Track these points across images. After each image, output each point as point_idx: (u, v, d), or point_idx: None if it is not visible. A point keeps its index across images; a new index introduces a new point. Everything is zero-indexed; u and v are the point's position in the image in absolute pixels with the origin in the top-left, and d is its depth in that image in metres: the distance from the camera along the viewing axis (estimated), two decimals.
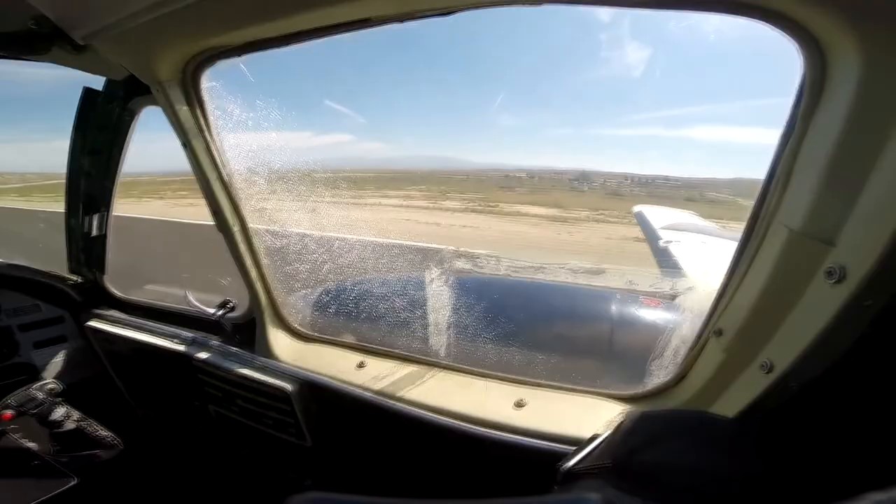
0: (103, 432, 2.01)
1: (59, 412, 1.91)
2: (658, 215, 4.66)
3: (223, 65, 1.39)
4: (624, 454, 0.80)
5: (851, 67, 0.73)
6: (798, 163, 0.86)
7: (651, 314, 1.83)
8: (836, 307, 0.76)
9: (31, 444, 1.88)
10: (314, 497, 0.51)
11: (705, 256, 3.37)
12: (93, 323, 2.24)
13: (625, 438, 0.84)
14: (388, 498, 0.87)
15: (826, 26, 0.75)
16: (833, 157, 0.77)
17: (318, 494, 0.52)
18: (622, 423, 0.91)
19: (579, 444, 1.03)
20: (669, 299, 2.30)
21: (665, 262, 3.36)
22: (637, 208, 5.14)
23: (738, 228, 1.03)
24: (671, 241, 3.57)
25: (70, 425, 1.93)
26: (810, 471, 0.75)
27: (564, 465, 0.93)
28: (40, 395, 1.90)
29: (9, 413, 1.83)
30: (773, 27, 0.80)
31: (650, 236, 4.11)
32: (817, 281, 0.80)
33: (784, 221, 0.89)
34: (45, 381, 1.96)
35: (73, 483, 1.82)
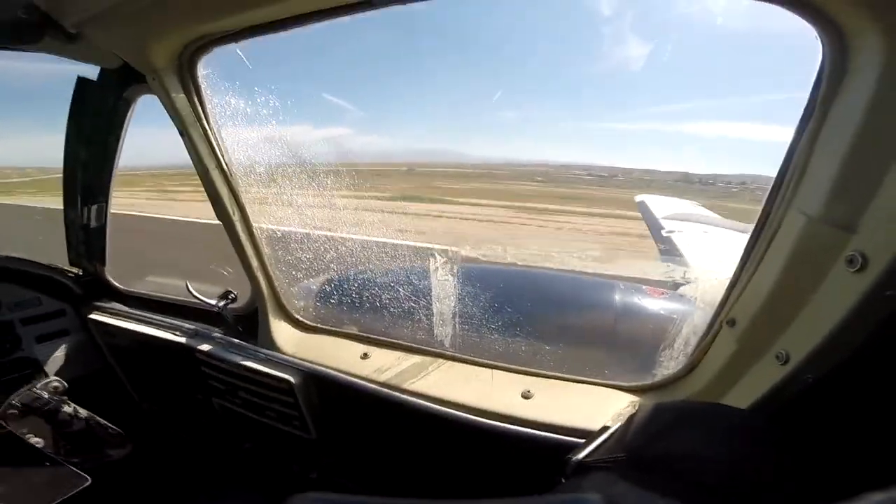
0: (112, 430, 1.99)
1: (66, 411, 1.89)
2: (660, 205, 4.65)
3: (220, 52, 1.36)
4: (637, 446, 0.78)
5: (874, 54, 0.71)
6: (816, 149, 0.84)
7: (656, 304, 1.81)
8: (858, 295, 0.74)
9: (41, 445, 1.85)
10: (314, 497, 0.50)
11: (707, 246, 3.37)
12: (95, 316, 2.22)
13: (638, 430, 0.82)
14: (386, 498, 0.85)
15: (848, 13, 0.73)
16: (854, 144, 0.75)
17: (318, 495, 0.50)
18: (634, 414, 0.89)
19: (588, 435, 1.01)
20: (673, 289, 2.30)
21: (668, 251, 3.36)
22: (639, 197, 5.12)
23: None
24: (674, 231, 3.57)
25: (78, 424, 1.91)
26: (829, 466, 0.73)
27: (574, 458, 0.91)
28: (45, 395, 1.87)
29: (14, 413, 1.80)
30: (792, 12, 0.78)
31: (652, 226, 4.10)
32: (837, 269, 0.78)
33: (801, 209, 0.86)
34: (48, 380, 1.92)
35: (87, 483, 1.79)
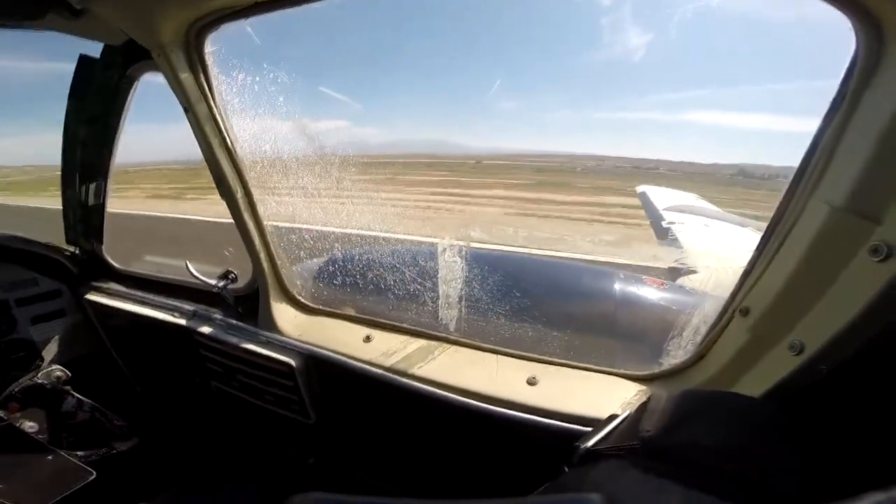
0: (117, 421, 1.94)
1: (70, 402, 1.83)
2: (661, 196, 4.64)
3: (228, 29, 1.35)
4: (651, 434, 0.77)
5: None
6: (844, 140, 0.83)
7: (658, 294, 1.81)
8: (880, 285, 0.73)
9: (43, 437, 1.80)
10: (316, 497, 0.49)
11: (708, 239, 3.37)
12: (91, 296, 2.20)
13: (652, 418, 0.81)
14: (390, 498, 0.83)
15: (885, 6, 0.72)
16: (884, 136, 0.74)
17: (320, 495, 0.49)
18: (647, 402, 0.88)
19: (594, 423, 1.00)
20: (672, 280, 2.30)
21: (668, 243, 3.36)
22: (640, 188, 5.11)
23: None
24: (674, 223, 3.57)
25: (82, 415, 1.85)
26: (842, 456, 0.73)
27: (583, 445, 0.90)
28: (47, 384, 1.81)
29: (15, 405, 1.74)
30: (829, 3, 0.77)
31: (653, 217, 4.10)
32: (860, 258, 0.77)
33: (824, 198, 0.86)
34: (50, 368, 1.87)
35: (92, 478, 1.75)
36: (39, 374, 1.82)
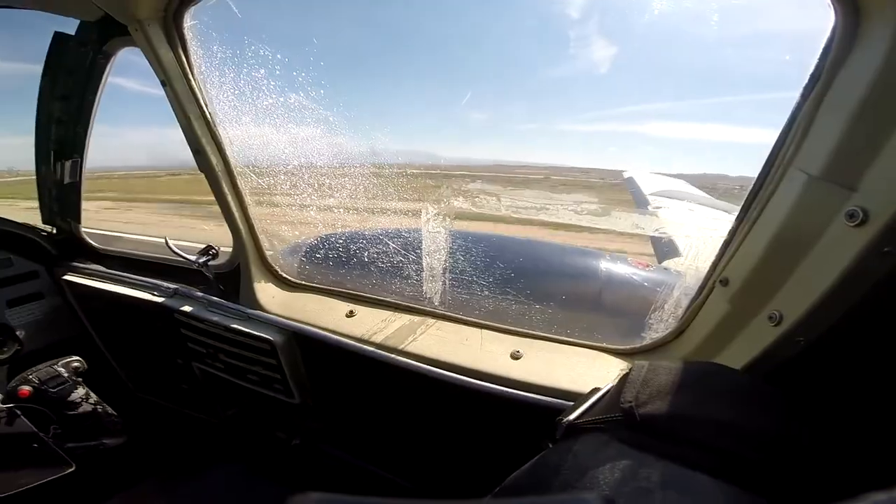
0: (114, 418, 1.92)
1: (79, 393, 1.81)
2: (648, 181, 4.64)
3: (210, 2, 1.33)
4: (631, 406, 0.77)
5: (887, 23, 0.72)
6: (821, 112, 0.84)
7: (642, 273, 1.82)
8: (856, 251, 0.74)
9: (39, 425, 1.76)
10: (315, 497, 0.48)
11: (692, 223, 3.39)
12: (69, 277, 2.15)
13: (632, 390, 0.81)
14: (391, 499, 0.82)
15: None
16: (859, 108, 0.75)
17: (319, 495, 0.49)
18: (628, 374, 0.88)
19: (577, 397, 1.01)
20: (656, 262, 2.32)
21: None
22: (627, 173, 5.10)
23: None
24: (660, 208, 3.59)
25: (86, 408, 1.83)
26: (826, 426, 0.74)
27: (566, 419, 0.90)
28: (65, 373, 1.79)
29: (26, 389, 1.71)
30: None
31: (639, 202, 4.11)
32: (837, 224, 0.78)
33: (802, 167, 0.86)
34: (70, 359, 1.83)
35: (69, 470, 1.72)
36: (60, 363, 1.80)
